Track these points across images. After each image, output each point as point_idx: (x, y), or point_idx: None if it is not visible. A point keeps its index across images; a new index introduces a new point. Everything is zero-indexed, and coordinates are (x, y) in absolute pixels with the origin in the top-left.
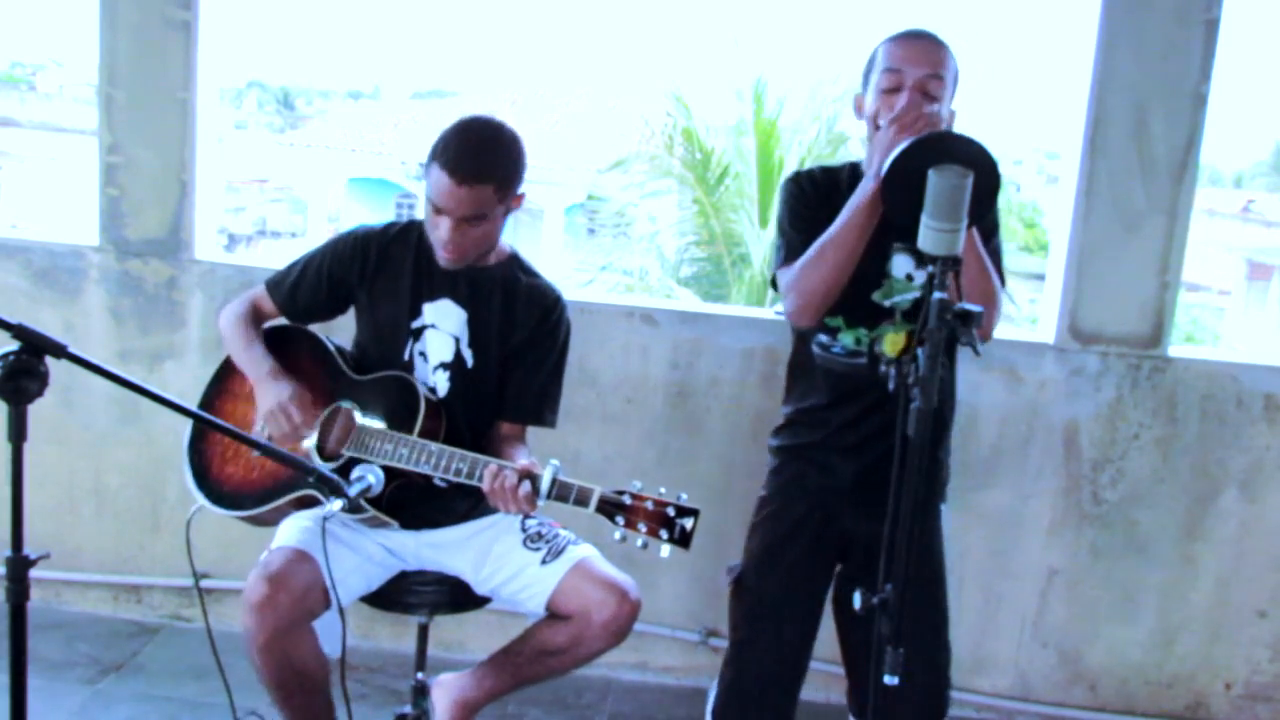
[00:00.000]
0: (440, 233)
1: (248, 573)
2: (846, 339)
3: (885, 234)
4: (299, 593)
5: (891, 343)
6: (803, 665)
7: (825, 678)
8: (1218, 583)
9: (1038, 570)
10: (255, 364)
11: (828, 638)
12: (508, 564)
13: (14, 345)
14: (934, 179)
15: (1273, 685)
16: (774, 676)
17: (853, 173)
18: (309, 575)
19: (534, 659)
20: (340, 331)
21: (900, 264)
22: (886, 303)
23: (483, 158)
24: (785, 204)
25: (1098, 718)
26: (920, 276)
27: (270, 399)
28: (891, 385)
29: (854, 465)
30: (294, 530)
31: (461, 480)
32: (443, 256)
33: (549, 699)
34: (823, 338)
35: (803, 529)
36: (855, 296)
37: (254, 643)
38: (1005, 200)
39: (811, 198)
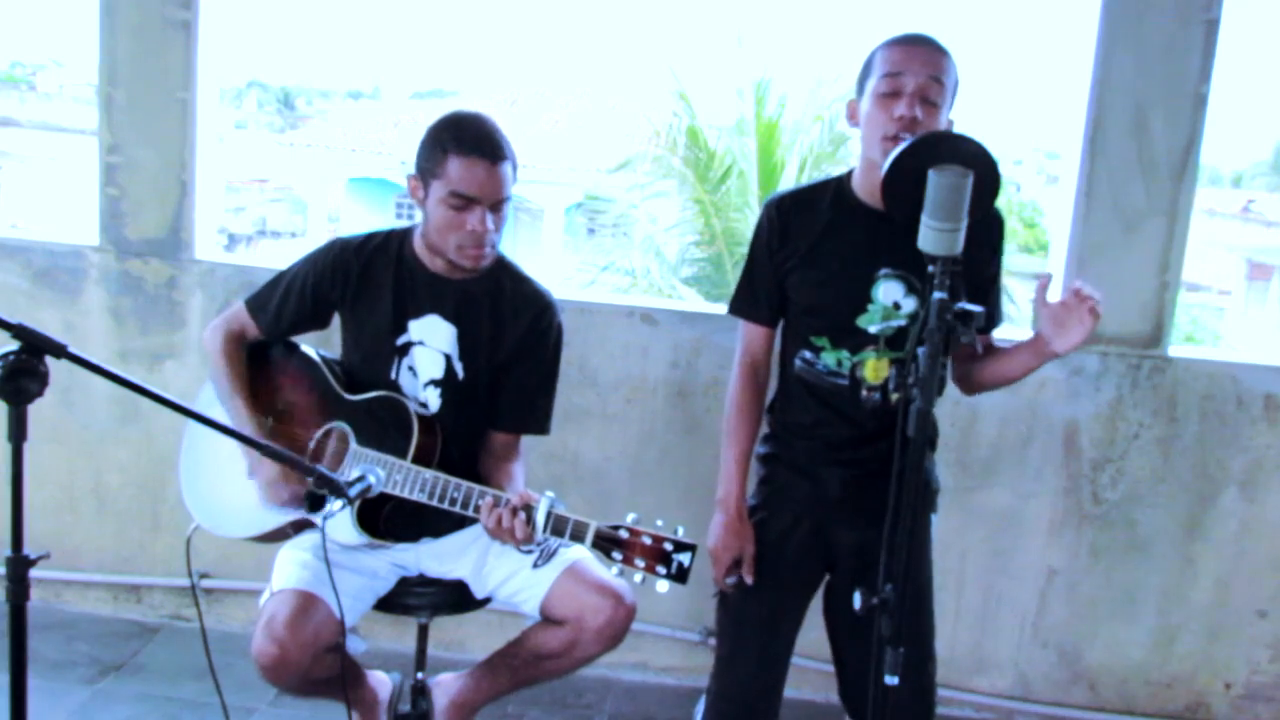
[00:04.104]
0: (474, 227)
1: (247, 573)
2: (829, 359)
3: (874, 258)
4: (308, 639)
5: (873, 369)
6: (785, 674)
7: (824, 677)
8: (1218, 583)
9: (1038, 570)
10: (239, 422)
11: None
12: (502, 567)
13: (14, 345)
14: (934, 178)
15: (1273, 685)
16: (759, 690)
17: (838, 189)
18: (317, 617)
19: (530, 662)
20: (328, 341)
21: (888, 290)
22: (872, 329)
23: (497, 136)
24: (753, 237)
25: (1098, 718)
26: (908, 305)
27: (268, 469)
28: (873, 408)
29: (842, 475)
30: (293, 567)
31: (455, 510)
32: (473, 255)
33: (549, 699)
34: (807, 354)
35: (789, 539)
36: (841, 319)
37: (273, 685)
38: (1005, 200)
39: (776, 229)
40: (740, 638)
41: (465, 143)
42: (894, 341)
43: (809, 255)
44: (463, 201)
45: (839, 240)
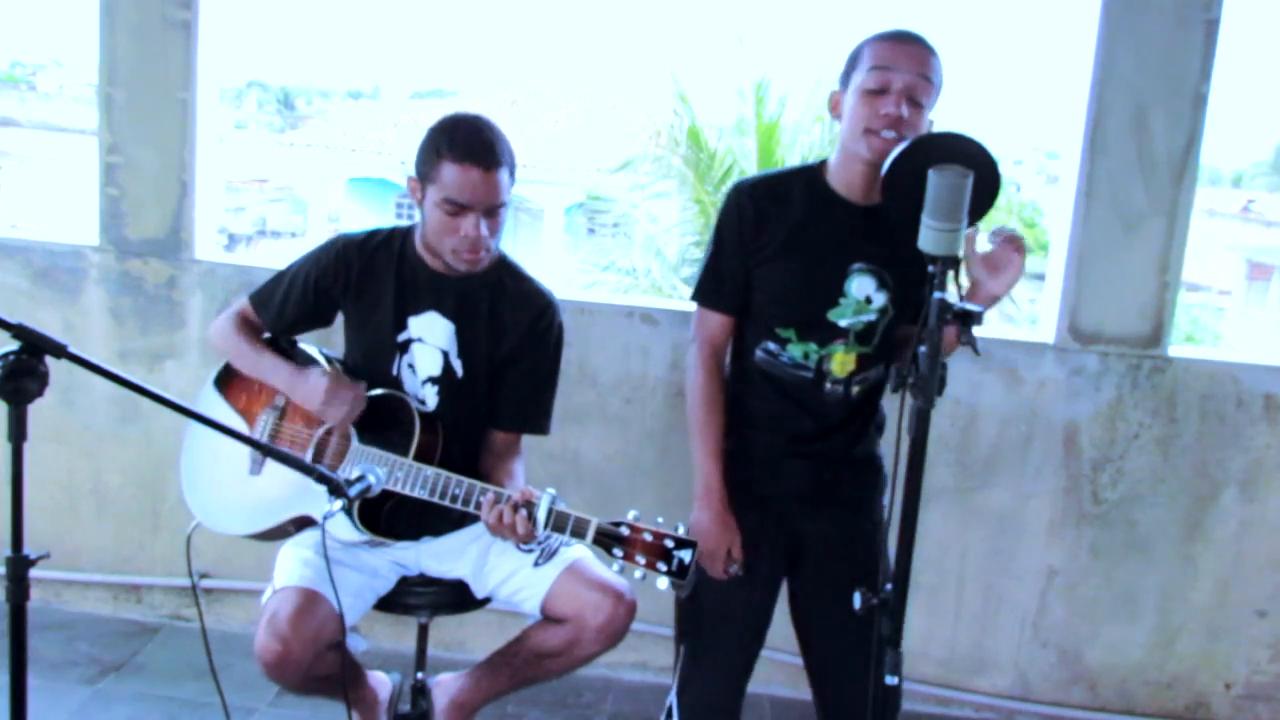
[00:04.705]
0: (467, 232)
1: (248, 573)
2: (795, 351)
3: (848, 251)
4: (311, 637)
5: (840, 363)
6: (751, 671)
7: None
8: (1218, 583)
9: (1038, 570)
10: (276, 370)
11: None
12: (503, 565)
13: (14, 345)
14: (934, 179)
15: (1273, 685)
16: (739, 687)
17: (810, 180)
18: (319, 615)
19: (530, 661)
20: (333, 340)
21: (861, 285)
22: (843, 323)
23: (492, 142)
24: (718, 220)
25: (1098, 718)
26: (879, 300)
27: (316, 392)
28: (835, 400)
29: (804, 467)
30: (295, 565)
31: (457, 507)
32: (468, 259)
33: (549, 699)
34: (771, 345)
35: (754, 538)
36: (811, 312)
37: (275, 682)
38: (1005, 200)
39: (750, 217)
40: (711, 643)
41: (458, 149)
42: (863, 336)
43: (784, 247)
44: (456, 208)
45: (815, 233)
